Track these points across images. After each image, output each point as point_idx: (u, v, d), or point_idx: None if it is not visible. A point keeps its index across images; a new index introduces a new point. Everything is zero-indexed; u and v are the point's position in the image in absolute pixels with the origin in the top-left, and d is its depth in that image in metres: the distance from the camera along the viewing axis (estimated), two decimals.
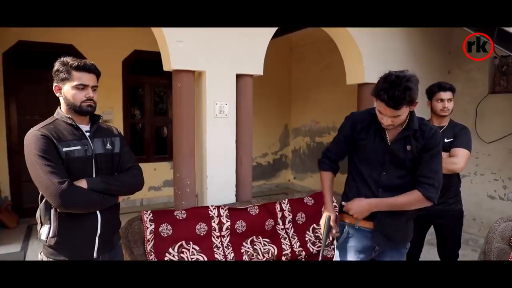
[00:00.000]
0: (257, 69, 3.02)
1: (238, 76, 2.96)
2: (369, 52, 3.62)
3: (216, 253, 2.57)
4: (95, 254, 1.70)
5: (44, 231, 1.63)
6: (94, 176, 1.70)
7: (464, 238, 4.19)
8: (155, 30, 2.76)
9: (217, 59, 2.83)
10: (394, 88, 1.59)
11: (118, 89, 5.54)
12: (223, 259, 2.56)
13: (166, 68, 2.81)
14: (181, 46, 2.68)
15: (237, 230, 2.72)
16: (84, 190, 1.60)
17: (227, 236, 2.68)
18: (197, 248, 2.53)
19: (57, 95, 1.69)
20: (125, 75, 5.57)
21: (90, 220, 1.68)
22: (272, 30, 3.06)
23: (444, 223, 2.68)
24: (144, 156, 5.86)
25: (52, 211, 1.62)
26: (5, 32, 4.70)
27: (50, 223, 1.62)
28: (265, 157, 6.94)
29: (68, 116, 1.67)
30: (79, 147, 1.65)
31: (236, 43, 2.90)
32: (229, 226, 2.69)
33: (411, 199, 1.81)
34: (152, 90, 5.98)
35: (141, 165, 1.91)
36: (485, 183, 4.09)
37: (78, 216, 1.63)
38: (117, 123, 5.53)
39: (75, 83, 1.64)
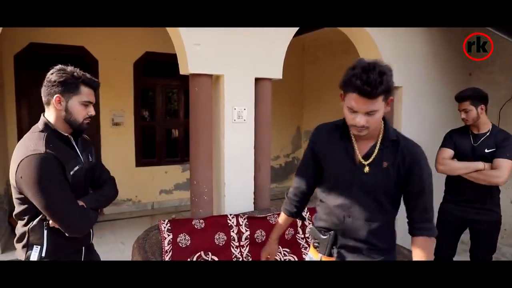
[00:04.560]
0: (276, 73, 2.92)
1: (257, 80, 2.86)
2: (388, 54, 3.51)
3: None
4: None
5: (35, 253, 1.53)
6: (84, 190, 1.67)
7: None
8: (172, 33, 2.67)
9: (235, 63, 2.74)
10: (368, 72, 1.30)
11: (130, 91, 5.47)
12: None
13: (183, 72, 2.72)
14: (198, 50, 2.60)
15: (257, 240, 2.63)
16: (90, 212, 1.59)
17: (247, 246, 2.59)
18: (216, 258, 2.45)
19: (57, 107, 1.54)
20: (137, 77, 5.49)
21: (86, 234, 1.66)
22: (291, 33, 2.96)
23: (481, 228, 2.63)
24: (155, 159, 5.79)
25: (46, 231, 1.53)
26: (17, 34, 4.65)
27: (42, 244, 1.53)
28: (277, 160, 6.84)
29: (66, 134, 1.59)
30: (79, 166, 1.59)
31: (255, 46, 2.81)
32: (248, 236, 2.60)
33: (430, 252, 1.49)
34: (164, 92, 5.91)
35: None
36: (508, 189, 3.95)
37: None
38: (128, 125, 5.47)
39: (83, 99, 1.57)
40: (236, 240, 2.57)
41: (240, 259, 2.52)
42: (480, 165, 2.49)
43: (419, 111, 3.79)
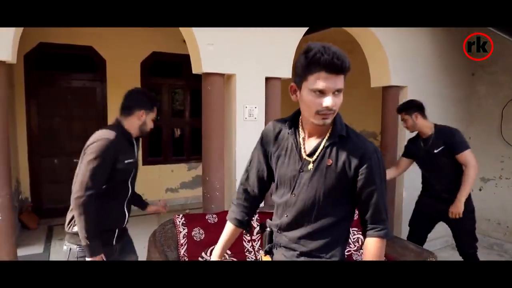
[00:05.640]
0: (286, 72, 3.01)
1: (267, 79, 2.94)
2: (394, 54, 3.59)
3: (248, 257, 2.57)
4: (114, 241, 1.98)
5: None
6: (131, 180, 2.05)
7: (489, 243, 4.15)
8: (186, 33, 2.75)
9: (247, 63, 2.82)
10: (330, 48, 1.21)
11: None
12: None
13: (195, 71, 2.80)
14: (211, 50, 2.68)
15: None
16: (92, 206, 1.79)
17: (258, 240, 2.66)
18: (229, 252, 2.52)
19: (140, 118, 2.03)
20: (144, 76, 5.57)
21: (121, 218, 2.02)
22: (301, 33, 3.05)
23: (454, 219, 2.78)
24: (161, 158, 5.87)
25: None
26: (27, 34, 4.69)
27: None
28: None
29: (131, 133, 2.03)
30: (132, 159, 2.02)
31: (266, 46, 2.89)
32: (259, 230, 2.67)
33: (381, 253, 1.37)
34: (170, 91, 5.99)
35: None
36: (510, 187, 4.03)
37: (112, 213, 1.96)
38: None
39: (154, 116, 2.11)
40: (248, 235, 2.64)
41: (252, 253, 2.59)
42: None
43: None
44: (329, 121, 1.28)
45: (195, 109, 6.09)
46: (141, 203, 2.29)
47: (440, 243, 4.13)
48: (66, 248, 1.93)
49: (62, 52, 5.11)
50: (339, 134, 1.33)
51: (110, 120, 5.30)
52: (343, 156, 1.32)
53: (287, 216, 1.40)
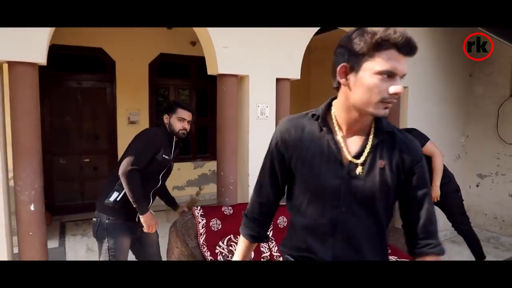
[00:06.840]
0: (295, 73, 3.18)
1: (278, 80, 3.12)
2: None
3: (262, 247, 2.74)
4: (137, 219, 2.29)
5: (114, 196, 2.22)
6: (160, 176, 2.41)
7: (486, 236, 4.34)
8: (202, 37, 2.92)
9: (259, 64, 3.00)
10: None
11: (145, 91, 5.70)
12: (268, 252, 2.73)
13: (211, 72, 2.97)
14: (226, 52, 2.85)
15: (279, 225, 2.88)
16: (136, 177, 2.16)
17: (271, 231, 2.84)
18: None
19: (165, 120, 2.42)
20: (151, 77, 5.73)
21: (146, 201, 2.33)
22: (309, 36, 3.23)
23: (441, 202, 3.14)
24: None
25: None
26: None
27: (120, 192, 2.21)
28: None
29: (171, 135, 2.40)
30: (167, 157, 2.36)
31: (277, 49, 3.06)
32: (272, 222, 2.85)
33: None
34: (177, 92, 6.15)
35: None
36: (506, 182, 4.23)
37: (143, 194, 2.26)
38: (143, 124, 5.70)
39: (179, 116, 2.38)
40: None
41: (266, 246, 2.77)
42: None
43: (424, 110, 4.06)
44: (388, 111, 1.07)
45: (201, 109, 6.26)
46: (174, 205, 2.73)
47: (439, 236, 4.31)
48: (95, 220, 2.28)
49: (73, 53, 5.26)
50: (386, 130, 1.13)
51: (119, 119, 5.55)
52: (395, 155, 1.11)
53: (336, 239, 1.12)
